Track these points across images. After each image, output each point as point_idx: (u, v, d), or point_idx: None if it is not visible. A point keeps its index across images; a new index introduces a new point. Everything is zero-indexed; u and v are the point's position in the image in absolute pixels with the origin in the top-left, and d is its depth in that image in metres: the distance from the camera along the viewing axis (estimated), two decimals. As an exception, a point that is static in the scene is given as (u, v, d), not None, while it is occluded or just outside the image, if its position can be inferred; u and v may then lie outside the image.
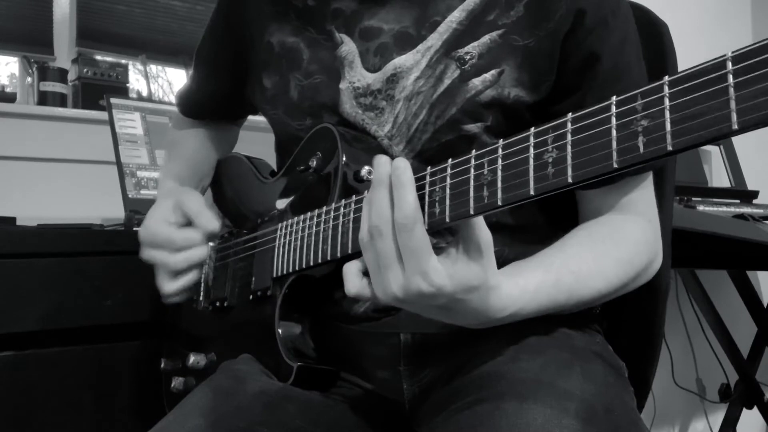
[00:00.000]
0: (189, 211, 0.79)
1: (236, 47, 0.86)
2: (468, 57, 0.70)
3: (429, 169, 0.54)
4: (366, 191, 0.61)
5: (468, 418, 0.61)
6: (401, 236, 0.52)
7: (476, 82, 0.70)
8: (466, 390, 0.66)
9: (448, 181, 0.52)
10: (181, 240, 0.79)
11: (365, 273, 0.57)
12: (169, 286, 0.80)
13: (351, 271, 0.58)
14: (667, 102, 0.39)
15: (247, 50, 0.84)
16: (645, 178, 0.72)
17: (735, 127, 0.35)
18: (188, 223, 0.80)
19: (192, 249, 0.79)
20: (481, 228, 0.52)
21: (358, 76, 0.74)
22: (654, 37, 0.86)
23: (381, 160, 0.55)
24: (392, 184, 0.53)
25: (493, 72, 0.70)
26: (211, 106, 0.97)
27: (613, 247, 0.68)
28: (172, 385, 0.92)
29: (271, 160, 0.90)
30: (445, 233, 0.56)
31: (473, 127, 0.71)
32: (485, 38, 0.70)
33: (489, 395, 0.62)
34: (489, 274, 0.55)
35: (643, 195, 0.72)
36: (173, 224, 0.80)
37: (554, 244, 0.68)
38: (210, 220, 0.79)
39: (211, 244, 0.82)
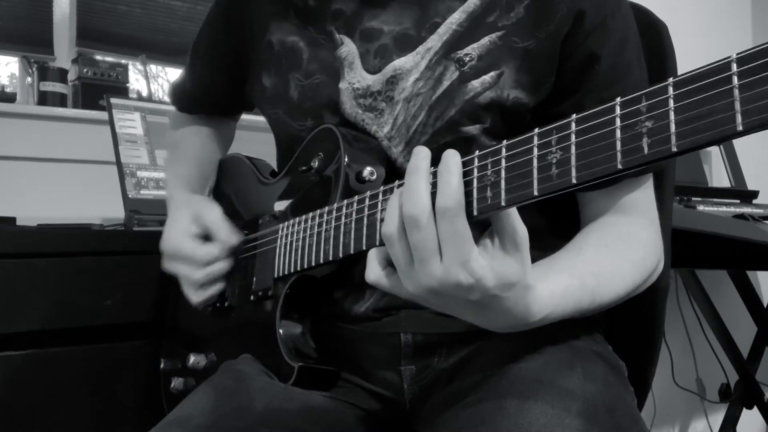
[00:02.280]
0: (208, 224, 0.81)
1: (235, 44, 0.86)
2: (467, 59, 0.70)
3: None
4: (369, 191, 0.61)
5: (470, 418, 0.61)
6: (442, 224, 0.49)
7: (475, 83, 0.70)
8: (468, 390, 0.66)
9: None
10: (202, 256, 0.80)
11: (389, 263, 0.55)
12: (195, 297, 0.82)
13: (375, 258, 0.56)
14: (671, 103, 0.39)
15: (246, 48, 0.84)
16: (646, 179, 0.72)
17: (740, 128, 0.35)
18: (207, 234, 0.82)
19: (215, 264, 0.80)
20: (516, 220, 0.50)
21: (357, 78, 0.74)
22: (654, 38, 0.86)
23: (420, 149, 0.52)
24: (438, 171, 0.50)
25: (492, 74, 0.70)
26: (207, 100, 0.97)
27: (627, 249, 0.67)
28: (172, 386, 0.92)
29: (272, 160, 0.90)
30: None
31: (472, 129, 0.71)
32: (485, 40, 0.70)
33: (490, 395, 0.62)
34: (527, 271, 0.52)
35: (645, 196, 0.72)
36: (194, 237, 0.82)
37: (568, 246, 0.67)
38: (230, 235, 0.81)
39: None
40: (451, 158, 0.50)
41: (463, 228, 0.49)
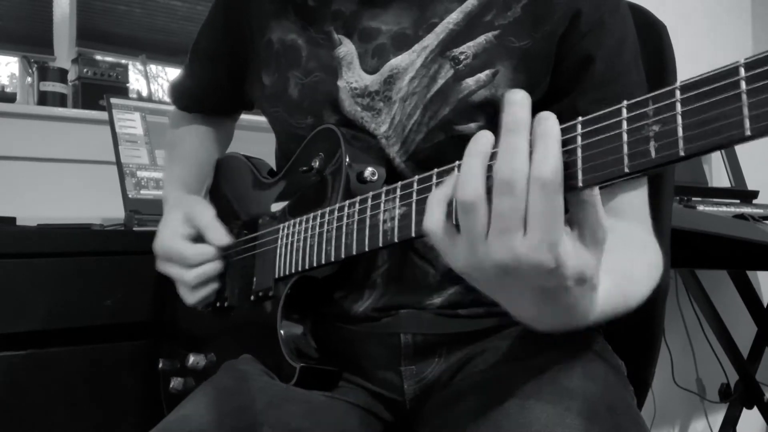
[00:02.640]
0: (200, 225, 0.81)
1: (235, 43, 0.86)
2: (462, 57, 0.70)
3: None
4: (370, 192, 0.61)
5: (470, 418, 0.61)
6: (536, 196, 0.44)
7: (470, 81, 0.70)
8: (468, 390, 0.66)
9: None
10: (193, 256, 0.80)
11: (453, 218, 0.48)
12: (190, 298, 0.82)
13: (438, 205, 0.49)
14: (679, 107, 0.39)
15: (246, 47, 0.84)
16: (643, 183, 0.72)
17: (748, 133, 0.35)
18: (199, 235, 0.82)
19: (205, 265, 0.80)
20: (602, 216, 0.46)
21: (356, 77, 0.74)
22: (653, 38, 0.86)
23: (517, 97, 0.46)
24: (535, 135, 0.45)
25: (487, 72, 0.69)
26: (207, 98, 0.97)
27: (644, 253, 0.66)
28: (171, 386, 0.92)
29: (271, 159, 0.90)
30: None
31: (466, 128, 0.70)
32: (480, 38, 0.70)
33: (491, 395, 0.62)
34: (599, 270, 0.49)
35: (642, 201, 0.72)
36: (185, 238, 0.82)
37: None
38: (220, 236, 0.80)
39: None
40: (551, 121, 0.44)
41: (560, 205, 0.44)
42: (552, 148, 0.44)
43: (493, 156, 0.47)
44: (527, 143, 0.44)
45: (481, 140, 0.47)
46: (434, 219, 0.48)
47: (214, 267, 0.81)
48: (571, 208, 0.46)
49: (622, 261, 0.60)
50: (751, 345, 2.08)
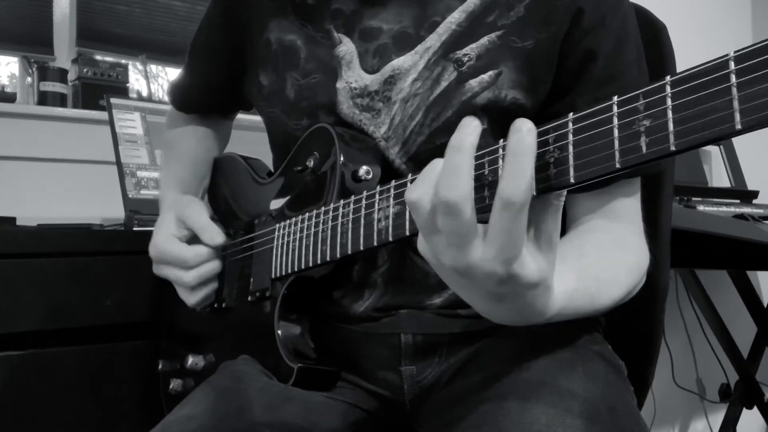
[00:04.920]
0: (193, 226, 0.81)
1: (233, 42, 0.85)
2: (466, 59, 0.69)
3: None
4: (365, 191, 0.61)
5: (470, 418, 0.61)
6: (499, 214, 0.43)
7: (473, 83, 0.69)
8: (468, 390, 0.66)
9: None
10: (191, 258, 0.80)
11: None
12: (189, 299, 0.82)
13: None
14: (669, 102, 0.38)
15: (244, 46, 0.84)
16: (635, 189, 0.71)
17: (738, 126, 0.35)
18: (194, 236, 0.81)
19: (202, 266, 0.80)
20: (558, 220, 0.47)
21: (355, 77, 0.73)
22: (653, 38, 0.86)
23: (470, 120, 0.46)
24: (508, 150, 0.43)
25: (491, 73, 0.69)
26: (204, 98, 0.97)
27: (624, 255, 0.66)
28: (171, 387, 0.92)
29: (269, 160, 0.90)
30: None
31: None
32: (483, 39, 0.69)
33: (491, 395, 0.62)
34: (553, 272, 0.49)
35: (633, 204, 0.71)
36: (180, 240, 0.81)
37: (567, 245, 0.64)
38: (214, 236, 0.80)
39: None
40: (523, 134, 0.42)
41: (523, 221, 0.43)
42: (521, 166, 0.42)
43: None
44: (470, 165, 0.44)
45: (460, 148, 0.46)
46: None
47: (213, 266, 0.81)
48: (531, 210, 0.45)
49: (593, 262, 0.62)
50: (751, 345, 2.08)
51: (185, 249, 0.80)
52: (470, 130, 0.45)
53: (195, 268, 0.80)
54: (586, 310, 0.60)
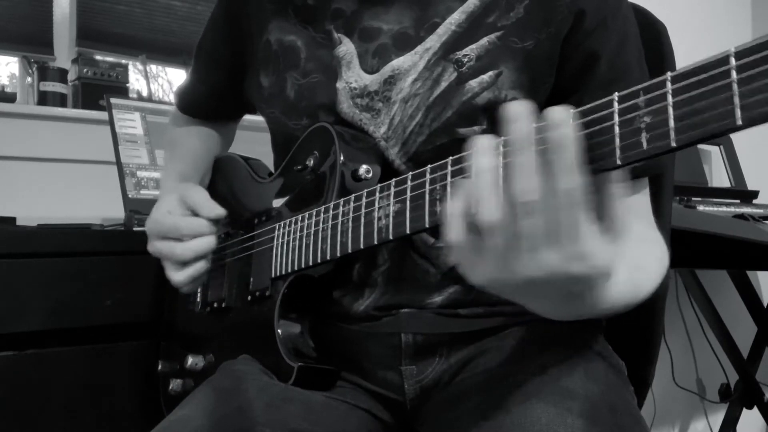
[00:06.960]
0: (193, 201, 0.80)
1: (235, 42, 0.86)
2: (466, 59, 0.69)
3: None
4: (365, 190, 0.61)
5: (471, 418, 0.61)
6: (562, 210, 0.42)
7: (473, 83, 0.69)
8: (469, 389, 0.66)
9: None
10: (186, 227, 0.78)
11: (475, 231, 0.45)
12: (177, 276, 0.79)
13: (459, 217, 0.46)
14: (670, 98, 0.39)
15: (246, 47, 0.84)
16: (644, 184, 0.71)
17: (739, 122, 0.35)
18: (194, 215, 0.80)
19: (198, 239, 0.78)
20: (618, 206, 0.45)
21: (355, 77, 0.73)
22: (653, 38, 0.86)
23: (518, 110, 0.44)
24: (550, 145, 0.42)
25: (490, 73, 0.69)
26: (211, 105, 0.97)
27: (653, 246, 0.65)
28: (170, 387, 0.92)
29: (270, 160, 0.90)
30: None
31: (469, 131, 0.70)
32: (483, 40, 0.70)
33: (492, 395, 0.62)
34: (614, 262, 0.46)
35: (644, 197, 0.71)
36: (178, 215, 0.81)
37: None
38: (213, 208, 0.79)
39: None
40: (565, 129, 0.42)
41: (584, 212, 0.42)
42: (570, 160, 0.41)
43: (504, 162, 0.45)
44: (535, 156, 0.43)
45: (488, 152, 0.46)
46: (457, 234, 0.46)
47: (207, 242, 0.79)
48: (596, 206, 0.44)
49: (634, 252, 0.58)
50: (751, 345, 2.08)
51: (182, 220, 0.79)
52: (523, 115, 0.44)
53: (189, 241, 0.78)
54: (631, 301, 0.57)
